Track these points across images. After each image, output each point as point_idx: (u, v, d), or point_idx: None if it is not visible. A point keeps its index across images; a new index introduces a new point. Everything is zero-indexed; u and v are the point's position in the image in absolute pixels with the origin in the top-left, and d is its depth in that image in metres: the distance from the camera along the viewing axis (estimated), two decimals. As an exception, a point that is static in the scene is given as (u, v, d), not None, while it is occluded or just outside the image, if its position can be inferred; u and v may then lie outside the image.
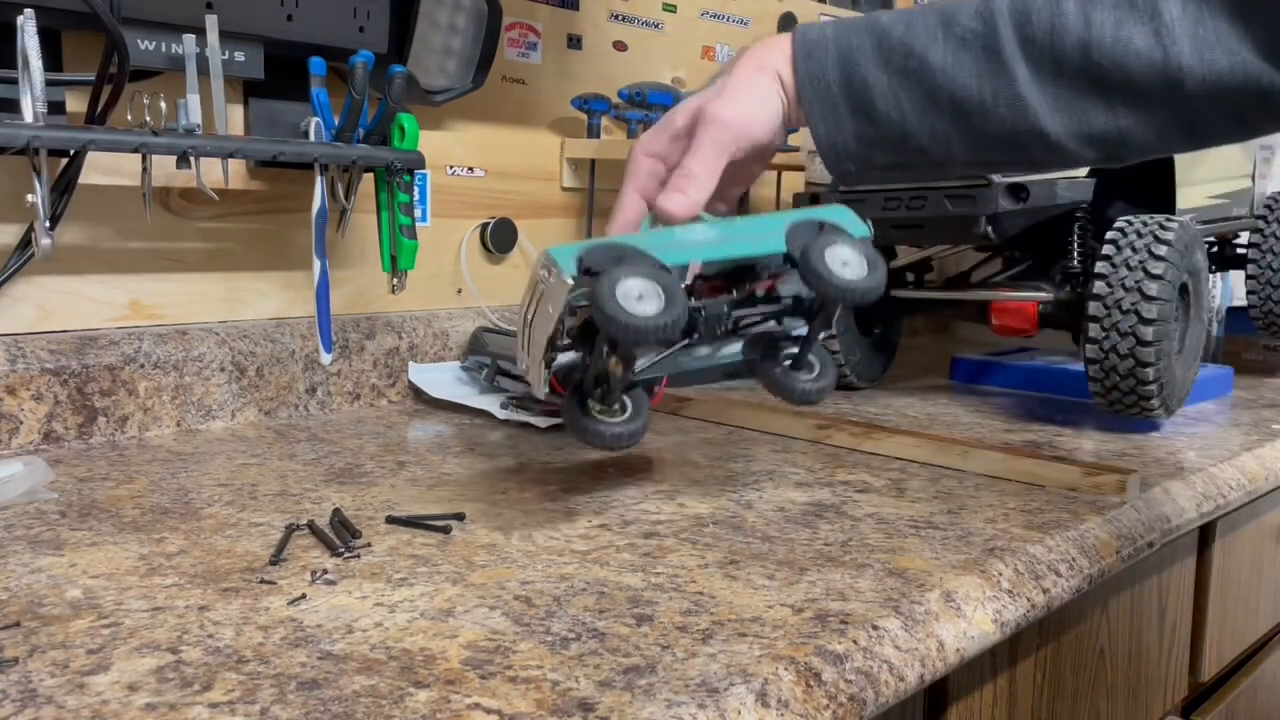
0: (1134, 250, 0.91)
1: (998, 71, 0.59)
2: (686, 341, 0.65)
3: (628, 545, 0.62)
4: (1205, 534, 0.94)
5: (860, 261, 0.62)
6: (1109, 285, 0.91)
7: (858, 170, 0.65)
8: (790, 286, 0.67)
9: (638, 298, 0.54)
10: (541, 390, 0.62)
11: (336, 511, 0.66)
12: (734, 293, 0.65)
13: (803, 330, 0.68)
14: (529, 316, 0.60)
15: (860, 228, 0.65)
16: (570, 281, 0.55)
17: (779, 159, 1.11)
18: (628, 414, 0.63)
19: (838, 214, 0.66)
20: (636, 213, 0.66)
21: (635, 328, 0.53)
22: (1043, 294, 1.05)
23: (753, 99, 0.64)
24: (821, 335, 0.67)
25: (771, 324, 0.68)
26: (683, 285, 0.63)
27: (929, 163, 0.64)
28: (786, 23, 1.45)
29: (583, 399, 0.63)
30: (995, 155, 0.62)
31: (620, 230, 0.66)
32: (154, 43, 0.81)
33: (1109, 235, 0.94)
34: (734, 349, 0.70)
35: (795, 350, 0.68)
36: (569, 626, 0.50)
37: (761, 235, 0.63)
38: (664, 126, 0.66)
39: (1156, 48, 0.56)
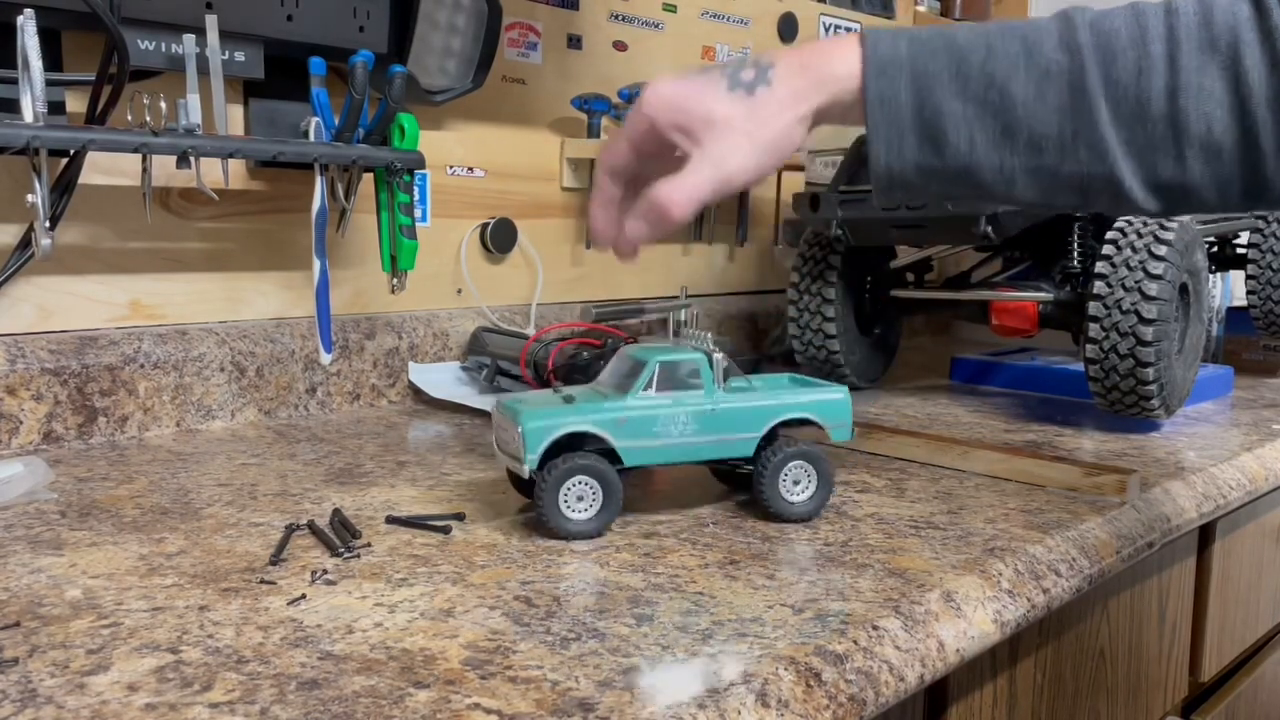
0: (1134, 250, 0.91)
1: (1081, 110, 0.55)
2: None
3: (628, 545, 0.62)
4: (1205, 534, 0.94)
5: (810, 481, 0.67)
6: (1109, 285, 0.91)
7: (905, 198, 0.61)
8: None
9: (578, 499, 0.63)
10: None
11: (336, 512, 0.66)
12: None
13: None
14: (502, 436, 0.67)
15: (844, 428, 0.70)
16: (529, 476, 0.63)
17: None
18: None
19: (834, 408, 0.69)
20: (609, 225, 0.63)
21: (565, 531, 0.63)
22: (1043, 294, 1.05)
23: (780, 146, 0.59)
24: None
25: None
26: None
27: (983, 198, 0.60)
28: (786, 23, 1.45)
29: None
30: (1060, 199, 0.58)
31: (601, 236, 0.63)
32: (154, 43, 0.81)
33: (1109, 235, 0.94)
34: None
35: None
36: (569, 626, 0.50)
37: (739, 434, 0.67)
38: (637, 123, 0.60)
39: (1236, 100, 0.54)
